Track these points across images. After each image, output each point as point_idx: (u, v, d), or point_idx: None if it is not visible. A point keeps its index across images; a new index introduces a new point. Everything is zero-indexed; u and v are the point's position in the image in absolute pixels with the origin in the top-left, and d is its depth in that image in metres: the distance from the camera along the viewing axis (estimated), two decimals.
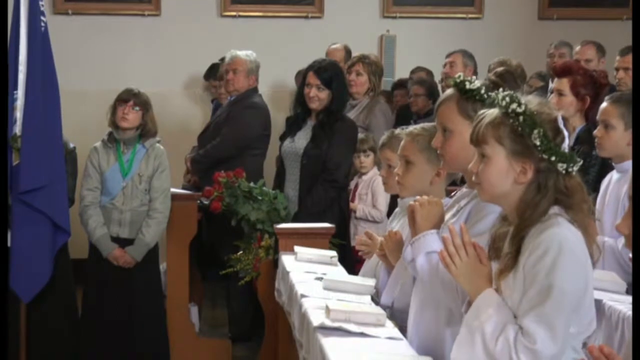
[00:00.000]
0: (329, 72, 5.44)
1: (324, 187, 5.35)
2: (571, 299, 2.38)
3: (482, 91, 2.92)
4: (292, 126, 5.55)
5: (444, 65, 7.00)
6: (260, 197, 5.41)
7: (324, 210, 5.33)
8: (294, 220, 5.28)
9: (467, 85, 2.94)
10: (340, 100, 5.52)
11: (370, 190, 5.96)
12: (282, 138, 5.59)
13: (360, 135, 6.12)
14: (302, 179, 5.43)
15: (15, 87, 4.87)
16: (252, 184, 5.45)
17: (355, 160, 6.05)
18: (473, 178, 2.62)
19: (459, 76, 2.98)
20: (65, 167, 5.12)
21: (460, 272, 2.52)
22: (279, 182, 5.57)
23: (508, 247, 2.50)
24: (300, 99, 5.52)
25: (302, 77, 5.50)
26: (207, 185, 5.60)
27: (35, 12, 4.92)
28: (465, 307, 2.57)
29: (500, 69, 5.35)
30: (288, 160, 5.50)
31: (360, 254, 4.00)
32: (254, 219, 5.39)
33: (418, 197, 3.01)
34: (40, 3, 4.96)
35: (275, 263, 5.37)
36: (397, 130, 4.01)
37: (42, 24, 4.96)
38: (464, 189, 3.08)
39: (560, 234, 2.40)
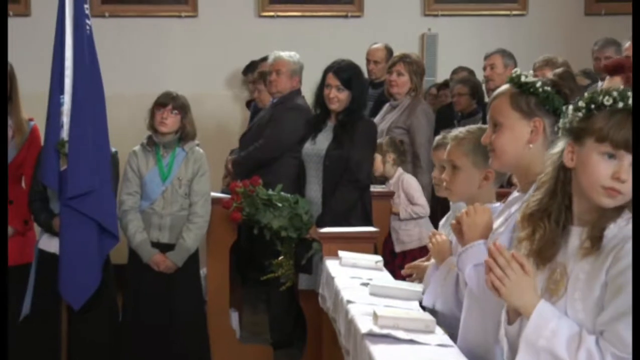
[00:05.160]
0: (348, 73, 5.38)
1: (347, 187, 5.28)
2: None
3: (538, 85, 2.86)
4: (312, 128, 5.46)
5: (484, 68, 6.88)
6: (280, 204, 5.33)
7: (348, 211, 5.27)
8: (318, 223, 5.20)
9: (523, 79, 2.88)
10: (361, 100, 5.46)
11: (401, 191, 5.89)
12: (302, 141, 5.49)
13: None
14: (325, 180, 5.34)
15: (62, 92, 4.82)
16: (270, 191, 5.38)
17: (386, 165, 5.96)
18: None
19: (515, 71, 2.93)
20: (111, 171, 5.07)
21: (510, 291, 2.35)
22: (299, 185, 5.47)
23: (589, 232, 2.33)
24: (319, 101, 5.44)
25: (321, 79, 5.42)
26: None
27: (80, 15, 4.83)
28: (506, 317, 2.46)
29: (560, 69, 5.21)
30: (310, 163, 5.41)
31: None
32: (276, 226, 5.31)
33: (465, 208, 2.99)
34: (85, 6, 4.88)
35: (303, 267, 5.29)
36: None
37: (87, 27, 4.89)
38: (516, 193, 2.95)
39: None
